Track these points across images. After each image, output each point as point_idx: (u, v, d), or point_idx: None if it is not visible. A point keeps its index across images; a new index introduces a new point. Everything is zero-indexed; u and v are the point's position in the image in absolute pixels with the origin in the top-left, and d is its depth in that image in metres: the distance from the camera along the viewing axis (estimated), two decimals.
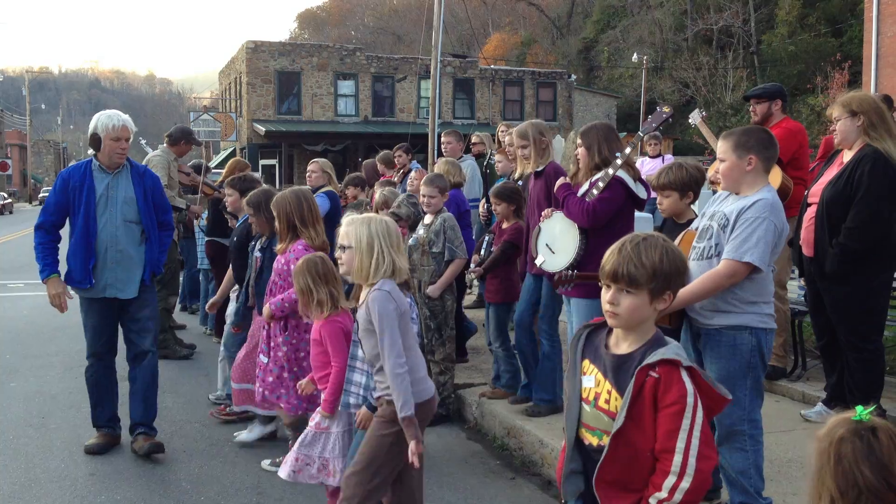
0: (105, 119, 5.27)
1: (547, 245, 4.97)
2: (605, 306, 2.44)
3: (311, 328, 4.29)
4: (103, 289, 5.21)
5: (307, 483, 4.10)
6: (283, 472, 4.04)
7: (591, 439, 2.48)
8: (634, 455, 2.35)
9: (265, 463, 5.05)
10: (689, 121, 6.40)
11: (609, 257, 2.45)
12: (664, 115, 4.77)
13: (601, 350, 2.50)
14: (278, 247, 5.04)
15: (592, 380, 2.49)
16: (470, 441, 5.65)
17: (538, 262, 5.02)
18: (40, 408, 6.34)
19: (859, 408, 1.76)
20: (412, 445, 3.29)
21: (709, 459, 2.28)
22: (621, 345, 2.46)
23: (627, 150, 4.69)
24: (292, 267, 4.75)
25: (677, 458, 2.25)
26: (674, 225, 4.26)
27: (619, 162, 4.66)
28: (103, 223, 5.19)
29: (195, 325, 9.51)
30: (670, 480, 2.27)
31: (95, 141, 5.26)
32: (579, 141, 4.92)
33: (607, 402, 2.43)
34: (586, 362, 2.53)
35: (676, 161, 4.54)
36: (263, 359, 5.01)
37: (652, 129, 4.87)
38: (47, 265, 5.15)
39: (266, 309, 4.92)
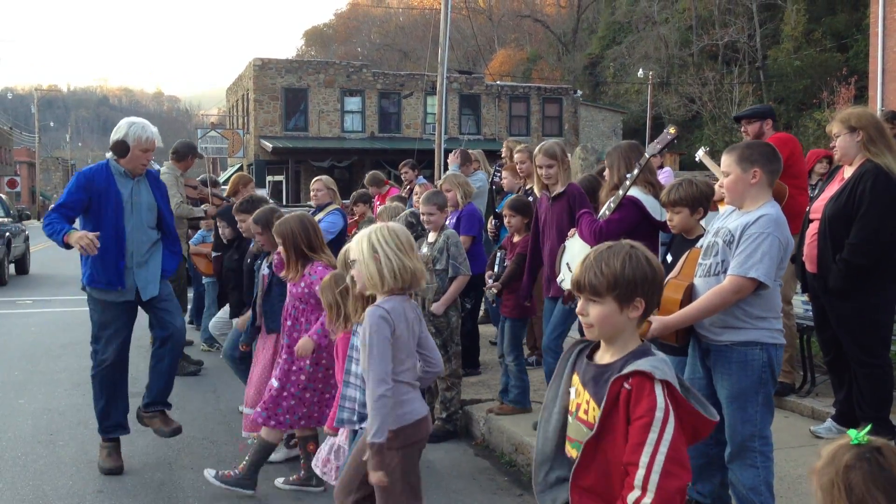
0: (138, 129, 5.24)
1: (567, 264, 5.02)
2: (580, 317, 2.46)
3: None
4: (130, 291, 5.23)
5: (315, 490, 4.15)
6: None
7: (571, 452, 2.46)
8: (608, 465, 2.32)
9: (279, 481, 4.98)
10: (696, 158, 6.41)
11: (576, 268, 2.46)
12: (669, 138, 4.81)
13: (584, 361, 2.50)
14: (288, 275, 4.94)
15: (575, 391, 2.49)
16: (478, 457, 5.64)
17: (559, 279, 5.06)
18: (48, 424, 6.35)
19: (852, 431, 1.72)
20: (374, 476, 3.22)
21: (674, 477, 2.20)
22: (604, 356, 2.46)
23: (636, 172, 4.70)
24: (316, 289, 4.74)
25: (640, 473, 2.21)
26: (683, 241, 4.26)
27: (628, 183, 4.69)
28: (130, 228, 5.21)
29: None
30: (634, 495, 2.22)
31: (123, 147, 5.21)
32: (605, 161, 5.00)
33: (585, 412, 2.41)
34: (575, 376, 2.52)
35: (686, 177, 4.55)
36: (274, 382, 4.95)
37: (658, 150, 4.89)
38: (63, 227, 4.98)
39: (307, 342, 4.78)
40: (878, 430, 4.78)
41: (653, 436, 2.21)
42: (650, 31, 48.42)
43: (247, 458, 4.87)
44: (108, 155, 5.35)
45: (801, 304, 6.24)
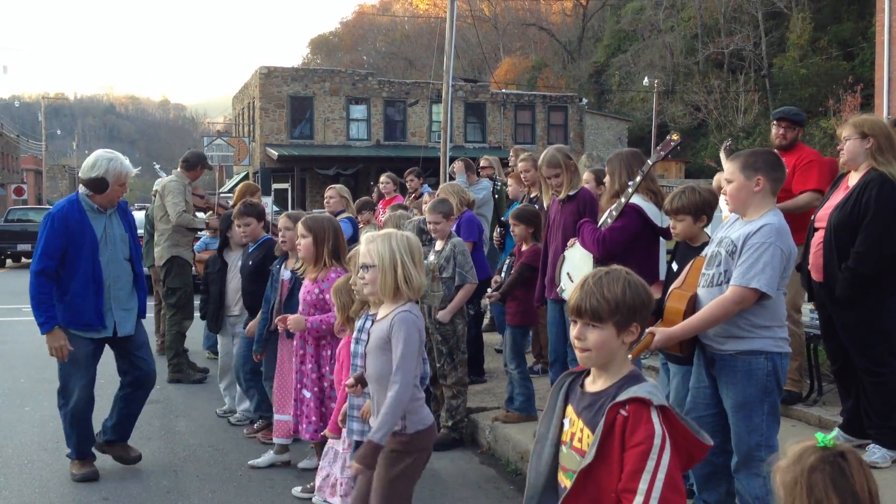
0: (118, 165, 5.22)
1: (568, 274, 5.00)
2: (574, 342, 2.42)
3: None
4: (108, 328, 5.22)
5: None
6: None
7: (565, 481, 2.44)
8: (599, 494, 2.30)
9: (296, 490, 4.95)
10: (720, 150, 6.35)
11: (573, 293, 2.44)
12: (672, 144, 4.80)
13: (577, 390, 2.48)
14: (310, 272, 4.91)
15: (569, 421, 2.46)
16: (483, 466, 5.63)
17: (559, 290, 5.04)
18: (54, 432, 6.33)
19: (819, 434, 1.77)
20: (356, 467, 3.25)
21: None
22: (597, 382, 2.43)
23: (638, 179, 4.70)
24: (327, 297, 4.72)
25: (638, 500, 2.19)
26: (687, 248, 4.25)
27: (630, 190, 4.68)
28: (105, 263, 5.19)
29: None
30: None
31: (102, 185, 5.17)
32: (607, 168, 4.98)
33: (580, 440, 2.39)
34: (569, 407, 2.49)
35: (689, 184, 4.55)
36: (307, 394, 4.91)
37: (661, 157, 4.89)
38: (50, 317, 5.03)
39: (299, 320, 4.76)
40: (886, 439, 4.76)
41: (651, 463, 2.20)
42: (655, 40, 48.45)
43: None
44: (82, 190, 5.26)
45: (807, 312, 6.22)
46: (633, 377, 2.37)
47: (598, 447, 2.28)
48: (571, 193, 5.40)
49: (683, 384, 4.05)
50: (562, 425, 2.49)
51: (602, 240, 4.69)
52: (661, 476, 2.19)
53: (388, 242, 3.38)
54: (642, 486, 2.19)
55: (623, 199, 4.70)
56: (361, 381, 3.65)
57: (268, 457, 5.47)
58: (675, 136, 4.83)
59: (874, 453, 4.72)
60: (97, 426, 5.47)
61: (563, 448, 2.46)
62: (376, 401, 3.42)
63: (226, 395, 6.81)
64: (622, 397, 2.29)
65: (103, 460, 5.45)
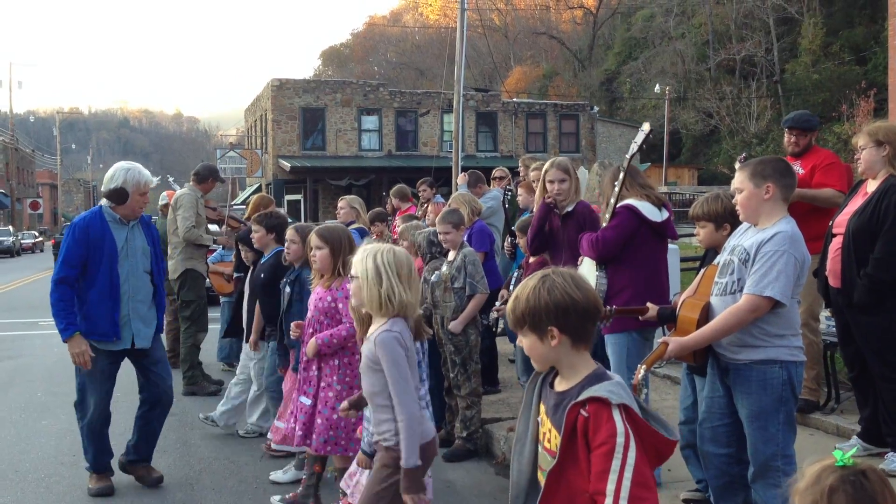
0: (136, 174, 5.26)
1: None
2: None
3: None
4: (125, 340, 5.23)
5: None
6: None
7: (542, 481, 2.42)
8: (572, 495, 2.28)
9: (275, 499, 4.96)
10: (736, 165, 6.36)
11: None
12: (643, 135, 4.90)
13: (546, 389, 2.48)
14: (322, 282, 4.84)
15: (541, 421, 2.46)
16: (499, 476, 5.60)
17: None
18: (71, 446, 6.37)
19: (837, 452, 1.72)
20: (408, 499, 3.21)
21: (642, 501, 2.18)
22: (561, 383, 2.42)
23: (621, 176, 4.74)
24: (340, 306, 4.67)
25: (608, 501, 2.17)
26: (715, 256, 4.22)
27: (616, 189, 4.70)
28: (125, 275, 5.20)
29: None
30: None
31: (122, 195, 5.21)
32: (601, 188, 5.02)
33: (549, 441, 2.38)
34: (542, 405, 2.49)
35: (714, 192, 4.54)
36: (305, 400, 4.80)
37: (636, 149, 4.93)
38: (71, 324, 5.05)
39: (312, 344, 4.71)
40: None
41: (616, 463, 2.17)
42: (666, 47, 48.39)
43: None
44: (103, 202, 5.31)
45: (823, 319, 6.18)
46: (595, 376, 2.34)
47: (566, 449, 2.26)
48: (569, 210, 5.39)
49: None
50: (538, 423, 2.48)
51: (596, 241, 4.68)
52: (627, 475, 2.16)
53: (372, 257, 3.40)
54: (610, 486, 2.16)
55: (612, 200, 4.71)
56: (356, 406, 3.67)
57: (290, 473, 5.45)
58: (645, 126, 4.94)
59: (893, 461, 4.67)
60: (118, 444, 5.48)
61: (540, 448, 2.46)
62: (373, 419, 3.44)
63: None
64: (582, 397, 2.26)
65: (120, 474, 5.46)
